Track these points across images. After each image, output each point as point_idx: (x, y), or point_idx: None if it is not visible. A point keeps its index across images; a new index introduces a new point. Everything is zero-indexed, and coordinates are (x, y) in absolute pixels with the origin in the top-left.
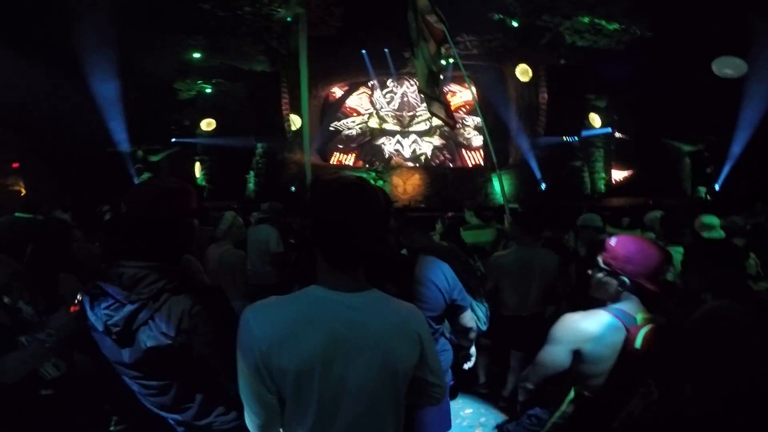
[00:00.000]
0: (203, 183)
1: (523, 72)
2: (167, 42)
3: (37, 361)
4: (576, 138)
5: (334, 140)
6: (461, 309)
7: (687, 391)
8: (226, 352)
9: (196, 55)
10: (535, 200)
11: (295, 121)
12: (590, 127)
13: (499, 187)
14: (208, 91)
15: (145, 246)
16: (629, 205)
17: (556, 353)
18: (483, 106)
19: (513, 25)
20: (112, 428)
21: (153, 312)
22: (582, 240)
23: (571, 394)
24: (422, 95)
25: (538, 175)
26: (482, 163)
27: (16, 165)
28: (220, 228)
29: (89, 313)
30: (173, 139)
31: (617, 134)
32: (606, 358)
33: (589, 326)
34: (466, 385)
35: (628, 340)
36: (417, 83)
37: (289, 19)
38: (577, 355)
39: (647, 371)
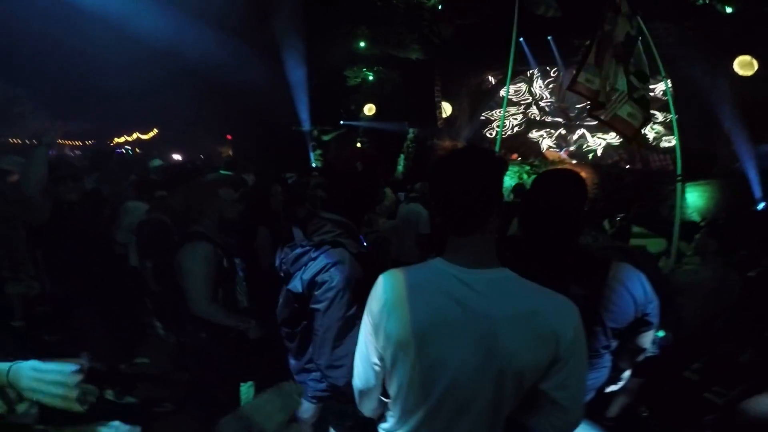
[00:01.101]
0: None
1: (744, 65)
2: (340, 32)
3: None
4: None
5: (486, 130)
6: (648, 327)
7: None
8: (331, 319)
9: (361, 44)
10: (743, 215)
11: (446, 109)
12: None
13: (692, 199)
14: (371, 78)
15: (341, 199)
16: None
17: None
18: (682, 104)
19: (725, 11)
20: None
21: (310, 259)
22: None
23: None
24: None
25: (757, 190)
26: (671, 168)
27: (229, 137)
28: (384, 203)
29: (278, 252)
30: (341, 122)
31: None
32: None
33: None
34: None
35: None
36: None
37: (440, 7)
38: None
39: None
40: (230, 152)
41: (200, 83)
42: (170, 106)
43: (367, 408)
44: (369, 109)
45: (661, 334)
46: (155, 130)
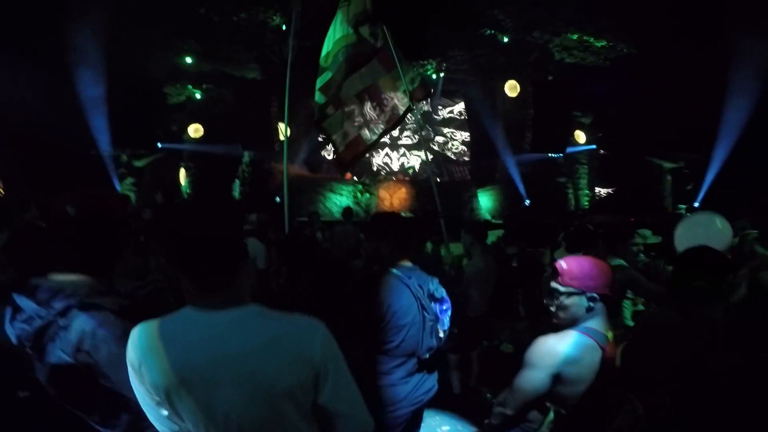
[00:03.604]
0: (188, 190)
1: (511, 88)
2: (158, 45)
3: None
4: (561, 154)
5: (322, 151)
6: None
7: (667, 403)
8: (124, 373)
9: (188, 60)
10: (518, 216)
11: (283, 131)
12: (575, 143)
13: (483, 202)
14: (198, 96)
15: (79, 253)
16: (611, 222)
17: (536, 378)
18: (471, 122)
19: (503, 41)
20: None
21: (59, 329)
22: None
23: (551, 415)
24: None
25: (523, 191)
26: (468, 178)
27: None
28: None
29: (7, 326)
30: (159, 144)
31: (601, 151)
32: (585, 379)
33: (566, 349)
34: (441, 399)
35: (606, 359)
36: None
37: (284, 27)
38: (556, 378)
39: (630, 387)
40: None
41: None
42: None
43: None
44: (195, 130)
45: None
46: None
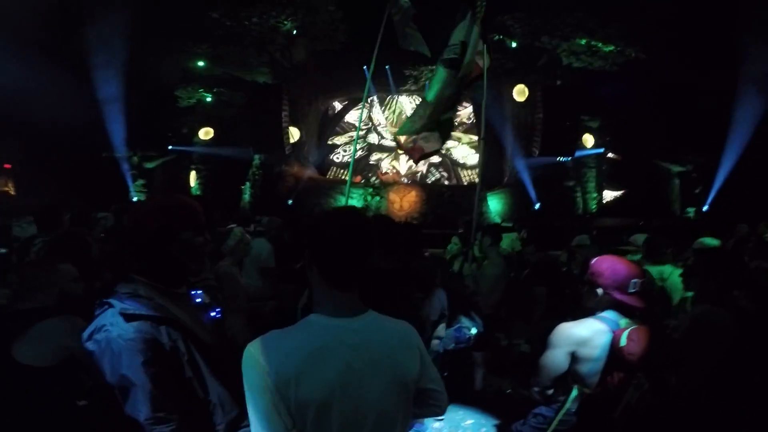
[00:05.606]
0: (198, 193)
1: (519, 92)
2: (172, 48)
3: None
4: (569, 158)
5: (332, 155)
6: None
7: (672, 382)
8: (142, 388)
9: (200, 63)
10: (528, 219)
11: (294, 134)
12: (583, 147)
13: (492, 205)
14: (209, 99)
15: (146, 264)
16: (619, 226)
17: (555, 356)
18: (480, 126)
19: (512, 46)
20: None
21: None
22: (577, 259)
23: (574, 393)
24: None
25: (532, 194)
26: (477, 182)
27: (7, 166)
28: (228, 244)
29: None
30: (170, 147)
31: (609, 155)
32: (596, 358)
33: (580, 331)
34: (463, 395)
35: (614, 341)
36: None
37: (295, 32)
38: (573, 357)
39: (636, 366)
40: (9, 186)
41: None
42: None
43: None
44: (205, 133)
45: (474, 331)
46: None
